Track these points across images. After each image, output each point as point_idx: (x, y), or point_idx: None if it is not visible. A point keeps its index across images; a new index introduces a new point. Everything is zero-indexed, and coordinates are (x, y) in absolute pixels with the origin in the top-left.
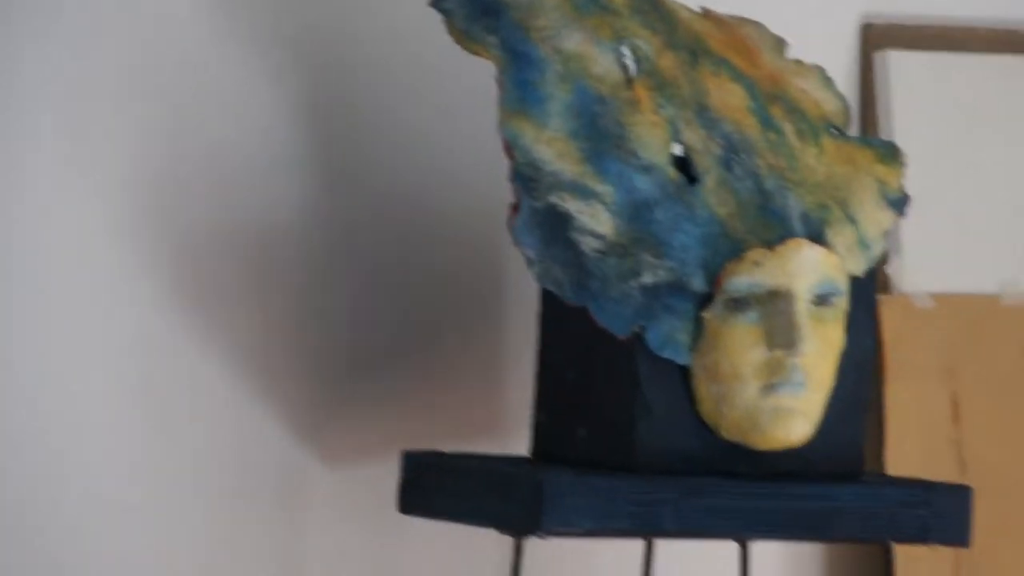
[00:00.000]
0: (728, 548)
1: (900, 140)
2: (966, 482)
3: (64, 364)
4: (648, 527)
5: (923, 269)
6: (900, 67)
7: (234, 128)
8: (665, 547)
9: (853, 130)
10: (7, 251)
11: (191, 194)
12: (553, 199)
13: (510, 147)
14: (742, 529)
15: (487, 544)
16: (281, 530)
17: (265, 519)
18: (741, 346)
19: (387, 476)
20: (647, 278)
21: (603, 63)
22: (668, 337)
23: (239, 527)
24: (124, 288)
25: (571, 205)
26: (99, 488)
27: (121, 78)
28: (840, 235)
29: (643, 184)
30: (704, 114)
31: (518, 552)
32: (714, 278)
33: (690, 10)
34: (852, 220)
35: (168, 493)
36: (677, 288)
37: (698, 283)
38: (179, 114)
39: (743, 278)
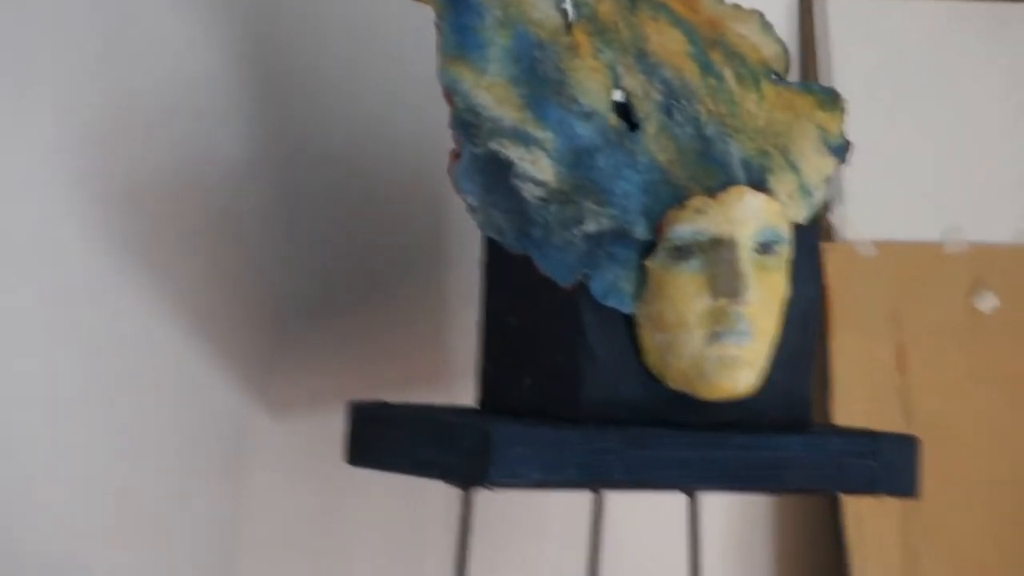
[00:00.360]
0: (677, 499)
1: (840, 86)
2: (912, 431)
3: (7, 318)
4: (596, 478)
5: (866, 217)
6: (840, 12)
7: (178, 75)
8: (614, 499)
9: (793, 76)
10: None
11: (134, 144)
12: (493, 146)
13: (449, 93)
14: (690, 480)
15: (436, 496)
16: (228, 481)
17: (212, 470)
18: (685, 295)
19: (334, 427)
20: (590, 226)
21: (542, 8)
22: (612, 286)
23: (187, 477)
24: (66, 241)
25: (512, 152)
26: (44, 439)
27: (57, 25)
28: (782, 182)
29: (584, 131)
30: (644, 60)
31: (467, 504)
32: (656, 226)
33: None
34: (793, 167)
35: (114, 444)
36: (620, 236)
37: (641, 231)
38: (121, 61)
39: (685, 226)
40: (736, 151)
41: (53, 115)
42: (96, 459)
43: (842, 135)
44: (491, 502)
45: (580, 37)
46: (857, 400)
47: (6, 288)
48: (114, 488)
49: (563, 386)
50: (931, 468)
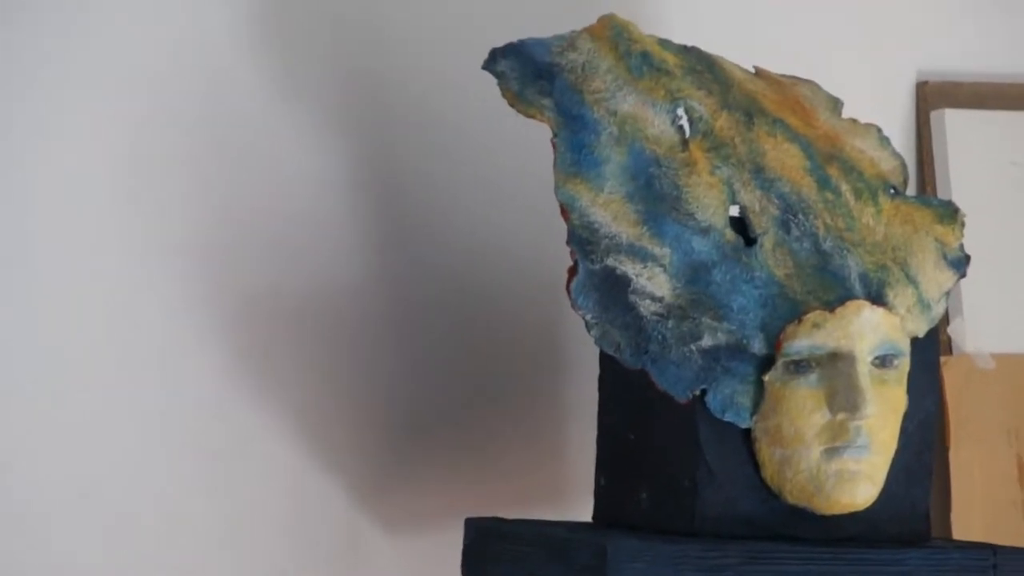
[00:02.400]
0: None
1: (957, 199)
2: None
3: (126, 430)
4: None
5: (984, 329)
6: (956, 125)
7: (294, 191)
8: None
9: (911, 190)
10: (65, 311)
11: (247, 257)
12: (610, 262)
13: (566, 210)
14: None
15: None
16: None
17: None
18: (803, 409)
19: (449, 543)
20: (707, 341)
21: (658, 125)
22: (729, 400)
23: None
24: (184, 347)
25: (628, 267)
26: (156, 554)
27: (183, 141)
28: (900, 296)
29: (701, 246)
30: (760, 175)
31: None
32: (774, 340)
33: (744, 70)
34: (912, 281)
35: (226, 559)
36: (737, 351)
37: (758, 345)
38: (241, 177)
39: (803, 340)
40: (854, 265)
41: (173, 229)
42: (210, 570)
43: (961, 248)
44: None
45: (697, 153)
46: (977, 514)
47: (128, 387)
48: None
49: (680, 500)
50: None
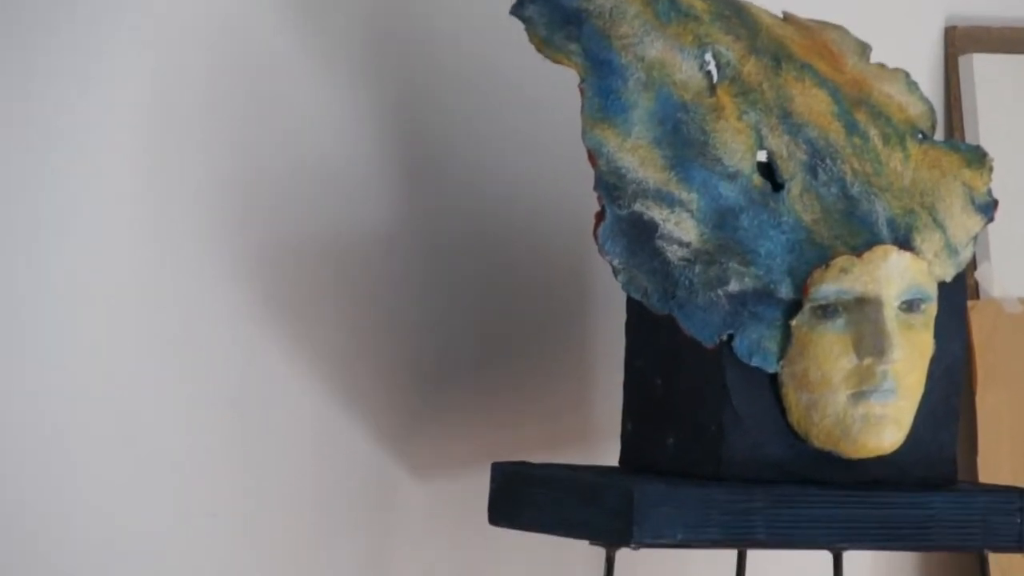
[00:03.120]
0: (821, 557)
1: (986, 144)
2: None
3: (155, 371)
4: (740, 537)
5: (1012, 274)
6: (985, 70)
7: (318, 137)
8: (757, 556)
9: (939, 134)
10: (92, 256)
11: (277, 203)
12: (638, 207)
13: (594, 155)
14: (834, 538)
15: (578, 555)
16: (370, 542)
17: (354, 531)
18: (830, 354)
19: (477, 487)
20: (734, 286)
21: (686, 70)
22: (756, 345)
23: (328, 539)
24: (211, 297)
25: (656, 213)
26: (184, 494)
27: (205, 86)
28: (928, 241)
29: (728, 191)
30: (788, 120)
31: (610, 563)
32: (801, 285)
33: (772, 15)
34: (940, 225)
35: (255, 503)
36: (764, 295)
37: (785, 290)
38: (264, 123)
39: (830, 285)
40: (882, 210)
41: (204, 174)
42: (234, 518)
43: (988, 193)
44: (634, 560)
45: (724, 98)
46: (1004, 457)
47: (156, 342)
48: (252, 548)
49: (707, 445)
50: None
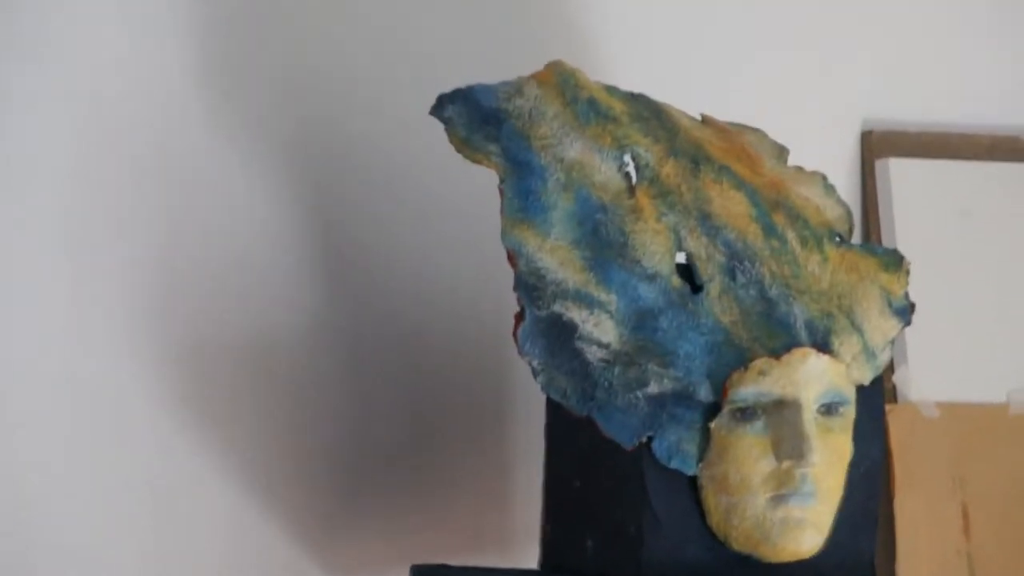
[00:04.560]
0: None
1: (902, 247)
2: None
3: (67, 460)
4: None
5: (929, 378)
6: (901, 174)
7: (241, 231)
8: None
9: (856, 237)
10: (4, 340)
11: (191, 295)
12: (557, 308)
13: (513, 256)
14: None
15: None
16: None
17: None
18: (749, 456)
19: None
20: (653, 387)
21: (605, 172)
22: (675, 447)
23: None
24: (128, 387)
25: (575, 314)
26: None
27: (129, 174)
28: (846, 344)
29: (647, 292)
30: (707, 222)
31: None
32: (720, 387)
33: (691, 118)
34: (857, 328)
35: None
36: (683, 397)
37: (704, 392)
38: (186, 215)
39: (749, 388)
40: (800, 312)
41: (123, 262)
42: None
43: (906, 297)
44: None
45: (643, 200)
46: (922, 562)
47: (68, 424)
48: None
49: (626, 548)
50: None
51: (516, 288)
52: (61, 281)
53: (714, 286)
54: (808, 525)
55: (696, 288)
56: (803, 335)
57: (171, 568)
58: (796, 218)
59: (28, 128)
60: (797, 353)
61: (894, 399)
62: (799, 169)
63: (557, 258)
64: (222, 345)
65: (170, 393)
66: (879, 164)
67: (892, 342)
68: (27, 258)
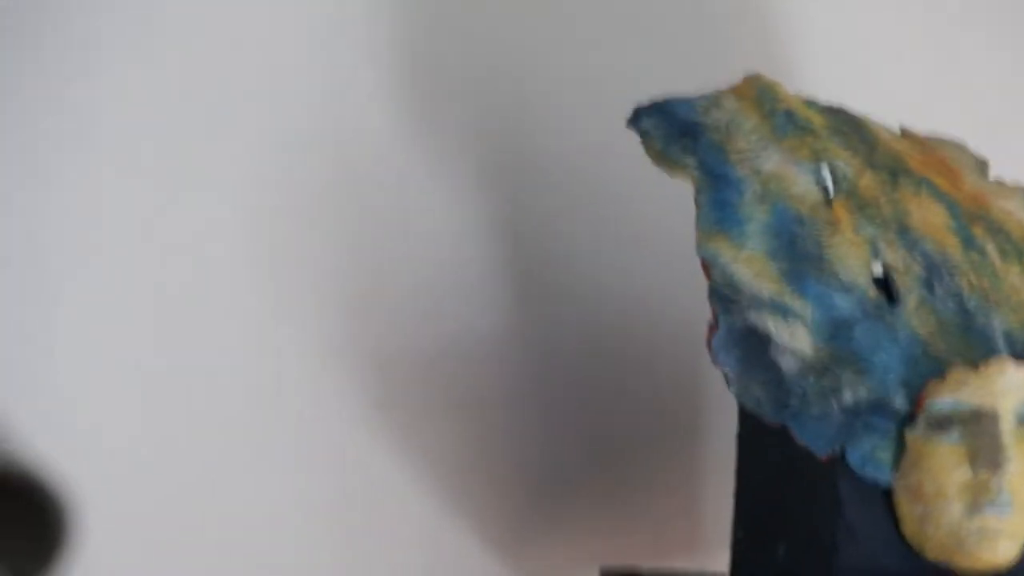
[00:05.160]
0: None
1: None
2: None
3: (267, 478)
4: None
5: None
6: None
7: (426, 238)
8: None
9: None
10: (205, 372)
11: (384, 310)
12: (752, 318)
13: (708, 266)
14: None
15: None
16: None
17: None
18: (945, 466)
19: None
20: (848, 397)
21: (802, 184)
22: (870, 456)
23: None
24: (325, 405)
25: (770, 324)
26: None
27: (309, 195)
28: None
29: (843, 303)
30: (905, 234)
31: None
32: (916, 397)
33: (890, 131)
34: None
35: None
36: (878, 407)
37: (900, 402)
38: (368, 228)
39: (946, 398)
40: (999, 324)
41: (315, 281)
42: None
43: None
44: None
45: (840, 212)
46: None
47: (264, 447)
48: None
49: (819, 556)
50: None
51: (710, 298)
52: (250, 293)
53: (912, 298)
54: (1004, 535)
55: (893, 300)
56: (1002, 346)
57: None
58: (996, 231)
59: (215, 134)
60: (995, 364)
61: None
62: (1000, 183)
63: (752, 269)
64: (413, 358)
65: (362, 406)
66: None
67: None
68: (216, 269)
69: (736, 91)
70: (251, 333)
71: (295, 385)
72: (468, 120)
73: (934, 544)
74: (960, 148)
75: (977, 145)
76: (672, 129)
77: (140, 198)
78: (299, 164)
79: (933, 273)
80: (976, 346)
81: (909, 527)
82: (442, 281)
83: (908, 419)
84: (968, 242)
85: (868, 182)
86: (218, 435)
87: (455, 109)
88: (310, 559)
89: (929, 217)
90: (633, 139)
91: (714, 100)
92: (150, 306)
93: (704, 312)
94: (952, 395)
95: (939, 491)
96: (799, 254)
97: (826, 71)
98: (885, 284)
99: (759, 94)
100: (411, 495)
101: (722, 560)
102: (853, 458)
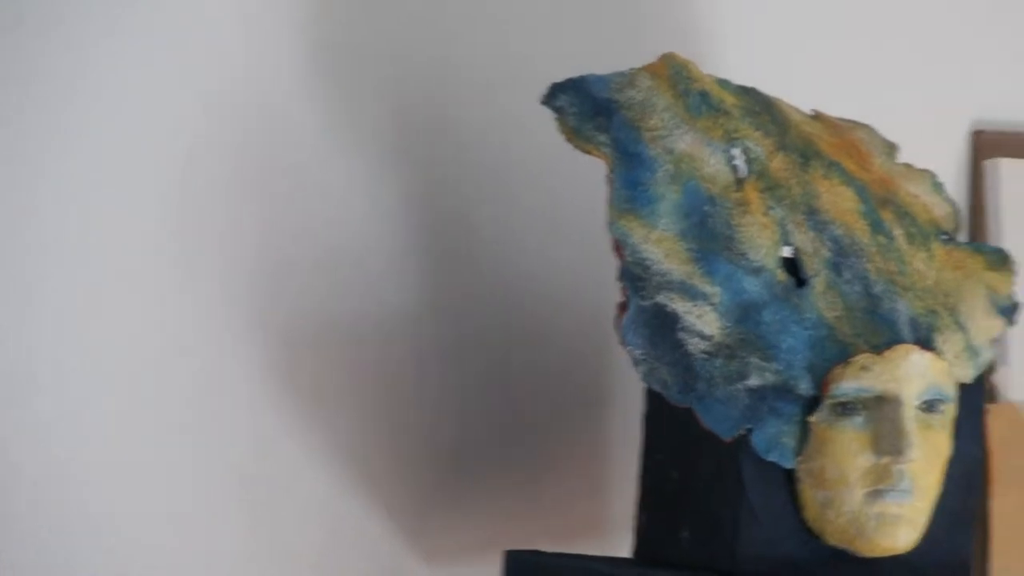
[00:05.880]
0: None
1: (1010, 248)
2: None
3: (168, 449)
4: None
5: None
6: (1010, 175)
7: (340, 217)
8: None
9: (963, 237)
10: (110, 341)
11: (300, 288)
12: (661, 299)
13: (619, 246)
14: None
15: None
16: None
17: None
18: (847, 451)
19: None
20: (754, 380)
21: (713, 164)
22: (774, 440)
23: None
24: (230, 379)
25: (679, 305)
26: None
27: (223, 167)
28: (949, 341)
29: (751, 286)
30: (814, 216)
31: None
32: (821, 382)
33: (802, 113)
34: (961, 327)
35: None
36: (784, 391)
37: (805, 386)
38: (282, 202)
39: (850, 383)
40: (904, 309)
41: (226, 253)
42: None
43: (1011, 297)
44: None
45: (751, 193)
46: (1016, 560)
47: (171, 425)
48: None
49: (721, 540)
50: None
51: (620, 278)
52: (165, 271)
53: (819, 281)
54: (904, 521)
55: (801, 282)
56: (906, 332)
57: (268, 559)
58: (904, 215)
59: (134, 121)
60: (900, 349)
61: (994, 399)
62: (908, 166)
63: (663, 249)
64: (323, 337)
65: (271, 384)
66: (988, 164)
67: (995, 341)
68: (133, 249)
69: (651, 70)
70: (161, 312)
71: (203, 362)
72: (383, 100)
73: (835, 529)
74: (870, 131)
75: (885, 128)
76: (586, 107)
77: (52, 176)
78: (211, 144)
79: (841, 256)
80: (881, 331)
81: (811, 512)
82: (355, 262)
83: (813, 404)
84: (876, 226)
85: (779, 164)
86: (122, 413)
87: (370, 89)
88: (213, 533)
89: (839, 200)
90: (548, 117)
91: (629, 78)
92: (57, 284)
93: (613, 293)
94: (856, 381)
95: (841, 477)
96: (709, 235)
97: (740, 51)
98: (793, 266)
99: (673, 73)
100: (316, 472)
101: (626, 544)
102: (758, 442)
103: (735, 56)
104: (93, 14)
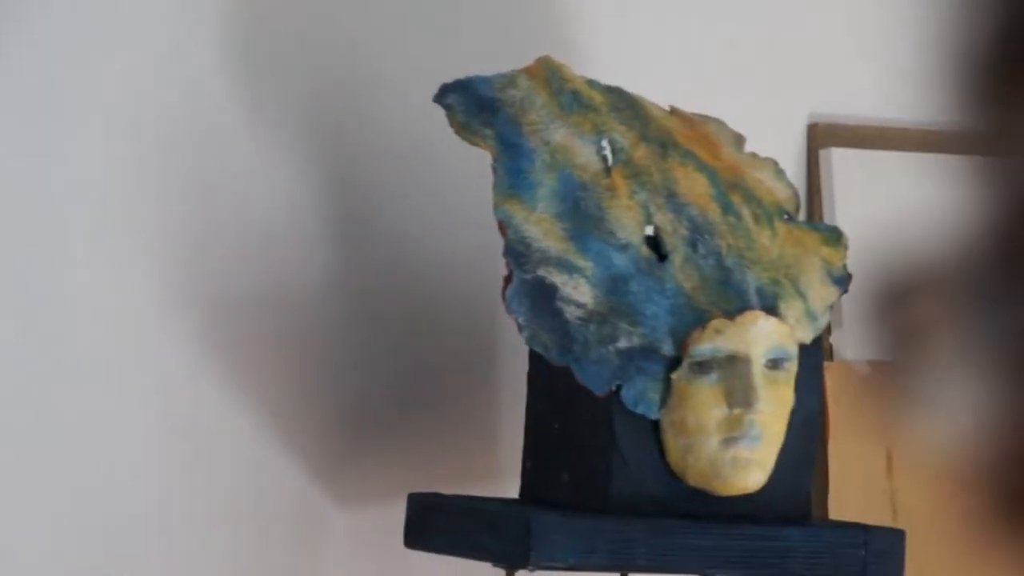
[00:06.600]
0: None
1: (842, 225)
2: (899, 526)
3: (101, 407)
4: (623, 563)
5: (862, 340)
6: (842, 163)
7: (262, 199)
8: None
9: (801, 216)
10: (46, 299)
11: (223, 257)
12: (541, 272)
13: (503, 226)
14: (705, 565)
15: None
16: (300, 564)
17: (286, 555)
18: (704, 404)
19: (394, 516)
20: (623, 343)
21: (585, 154)
22: (641, 395)
23: (262, 564)
24: (161, 342)
25: (556, 278)
26: (124, 528)
27: (153, 141)
28: (791, 308)
29: (619, 260)
30: (673, 200)
31: None
32: (681, 344)
33: (661, 109)
34: (801, 295)
35: (193, 530)
36: (649, 352)
37: (667, 348)
38: (213, 185)
39: (706, 344)
40: (752, 280)
41: (155, 237)
42: (173, 547)
43: (844, 268)
44: None
45: (618, 180)
46: (851, 498)
47: (113, 382)
48: (186, 563)
49: (596, 482)
50: (913, 558)
51: (505, 254)
52: (103, 242)
53: (678, 256)
54: (754, 464)
55: (662, 257)
56: (754, 300)
57: (191, 497)
58: (750, 198)
59: (62, 103)
60: (749, 315)
61: (831, 357)
62: (754, 155)
63: (542, 229)
64: (242, 300)
65: (193, 344)
66: (823, 153)
67: (831, 307)
68: (72, 226)
69: (529, 72)
70: (98, 278)
71: (137, 322)
72: (302, 88)
73: (695, 472)
74: (720, 124)
75: (733, 122)
76: (472, 104)
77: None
78: (144, 129)
79: (696, 234)
80: (732, 299)
81: (674, 457)
82: (271, 235)
83: (674, 363)
84: (727, 208)
85: (642, 154)
86: (59, 369)
87: (284, 76)
88: (141, 486)
89: (694, 185)
90: (442, 112)
91: (510, 79)
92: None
93: (501, 267)
94: (711, 342)
95: (699, 426)
96: (582, 216)
97: (606, 56)
98: (655, 243)
99: (549, 74)
100: (238, 428)
101: (515, 487)
102: (627, 397)
103: (602, 59)
104: None
